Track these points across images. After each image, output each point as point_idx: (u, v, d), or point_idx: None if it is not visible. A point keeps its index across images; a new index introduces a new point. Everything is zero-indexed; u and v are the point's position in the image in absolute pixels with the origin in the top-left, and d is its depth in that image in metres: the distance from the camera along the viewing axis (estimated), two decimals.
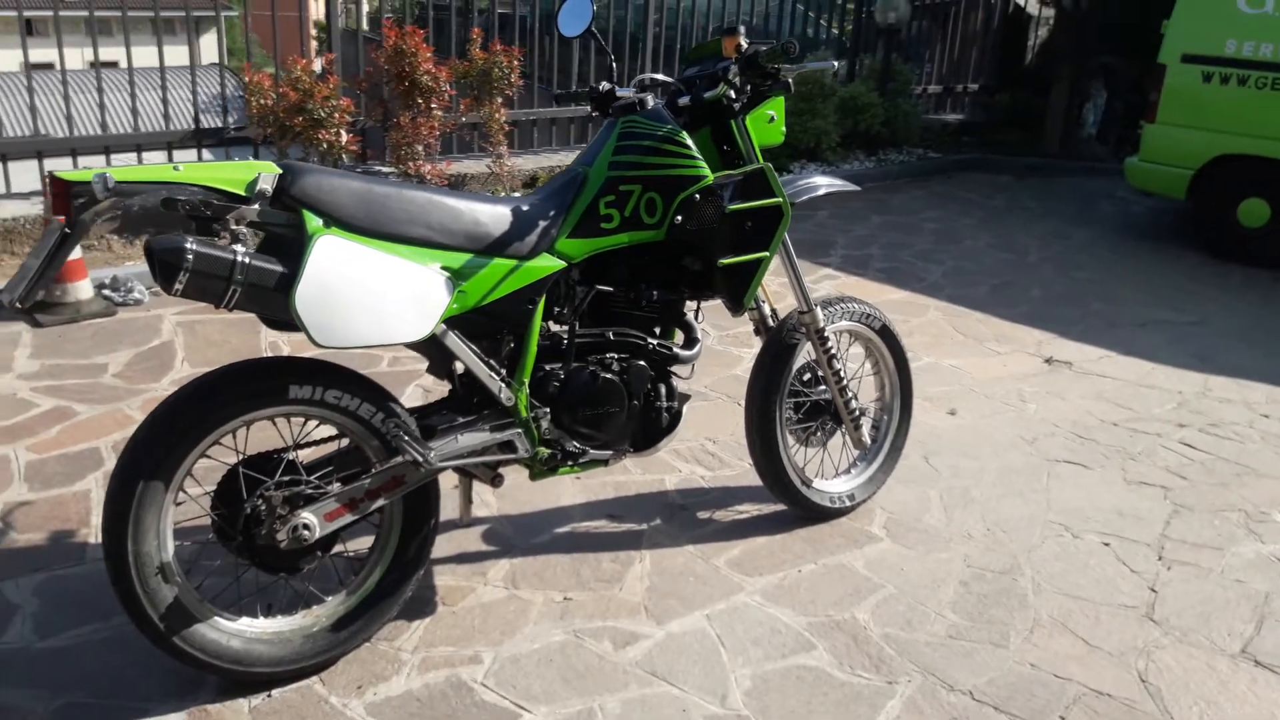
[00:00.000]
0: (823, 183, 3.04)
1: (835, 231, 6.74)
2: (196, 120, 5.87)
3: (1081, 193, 8.20)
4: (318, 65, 6.53)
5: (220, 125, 6.00)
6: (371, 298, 2.04)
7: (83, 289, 4.29)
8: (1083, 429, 3.98)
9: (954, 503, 3.32)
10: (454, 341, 2.25)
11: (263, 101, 5.53)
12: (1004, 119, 9.75)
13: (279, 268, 1.98)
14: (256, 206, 2.01)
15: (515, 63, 6.36)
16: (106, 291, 4.45)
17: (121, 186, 1.87)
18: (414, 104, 5.99)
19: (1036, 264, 6.25)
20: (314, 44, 6.83)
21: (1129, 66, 9.24)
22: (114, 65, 7.62)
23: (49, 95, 7.15)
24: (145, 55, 5.96)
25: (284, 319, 2.02)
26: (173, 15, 7.95)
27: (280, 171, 2.04)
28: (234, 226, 2.00)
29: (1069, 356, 4.77)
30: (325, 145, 5.61)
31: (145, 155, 5.77)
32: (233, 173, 2.00)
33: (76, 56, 5.85)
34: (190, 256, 1.88)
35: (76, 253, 4.31)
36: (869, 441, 3.15)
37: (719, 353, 4.48)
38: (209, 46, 18.55)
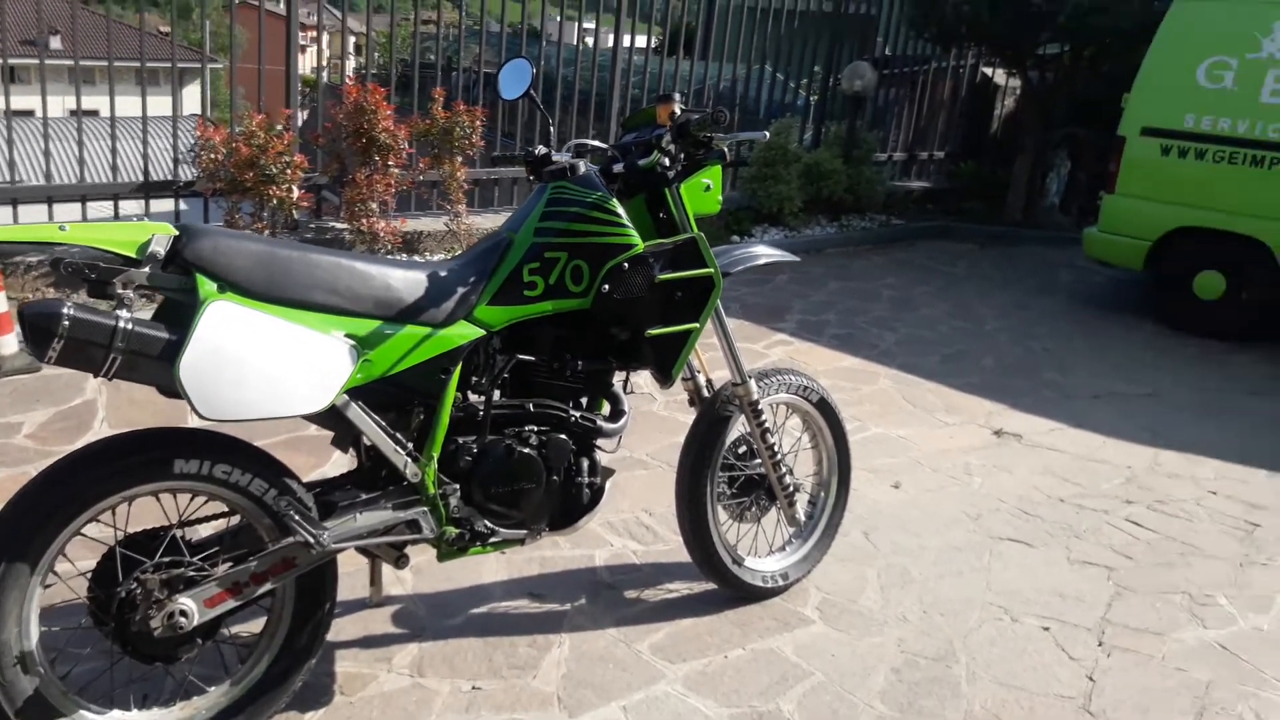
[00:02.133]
0: (762, 253, 2.98)
1: (792, 296, 6.71)
2: (146, 173, 5.79)
3: (1042, 262, 8.23)
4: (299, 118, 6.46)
5: (170, 179, 5.91)
6: (264, 367, 1.94)
7: (6, 343, 4.16)
8: (1029, 505, 3.91)
9: (892, 582, 3.22)
10: (356, 413, 2.15)
11: (213, 156, 5.46)
12: (968, 187, 9.82)
13: (165, 334, 1.89)
14: (147, 270, 1.92)
15: (478, 123, 6.33)
16: None
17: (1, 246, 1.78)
18: (371, 161, 5.94)
19: (992, 333, 6.23)
20: (301, 99, 6.79)
21: (1093, 137, 9.36)
22: (93, 114, 7.59)
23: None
24: (120, 106, 5.88)
25: (172, 389, 1.92)
26: (156, 66, 7.91)
27: (175, 233, 1.95)
28: (120, 290, 1.90)
29: (1019, 428, 4.72)
30: (276, 201, 5.54)
31: (91, 207, 5.67)
32: (124, 234, 1.92)
33: (54, 105, 5.82)
34: (66, 322, 1.79)
35: (3, 305, 4.19)
36: (804, 518, 3.06)
37: (663, 419, 4.39)
38: (194, 98, 18.61)
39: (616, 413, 2.60)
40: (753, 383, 2.84)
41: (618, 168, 2.56)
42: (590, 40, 8.37)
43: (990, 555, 3.46)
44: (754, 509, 2.98)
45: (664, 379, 2.57)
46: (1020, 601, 3.16)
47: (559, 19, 8.39)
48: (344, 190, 6.05)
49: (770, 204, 8.14)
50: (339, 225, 6.10)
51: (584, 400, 2.57)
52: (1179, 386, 5.47)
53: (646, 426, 4.25)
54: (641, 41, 8.54)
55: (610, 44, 8.11)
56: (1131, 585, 3.32)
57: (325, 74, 7.00)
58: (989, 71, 10.34)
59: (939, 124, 10.26)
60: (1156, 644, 2.97)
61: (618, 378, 2.66)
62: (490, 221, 6.95)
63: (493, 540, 2.40)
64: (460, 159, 6.40)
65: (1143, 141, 6.64)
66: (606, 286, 2.42)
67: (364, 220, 5.92)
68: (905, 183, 9.94)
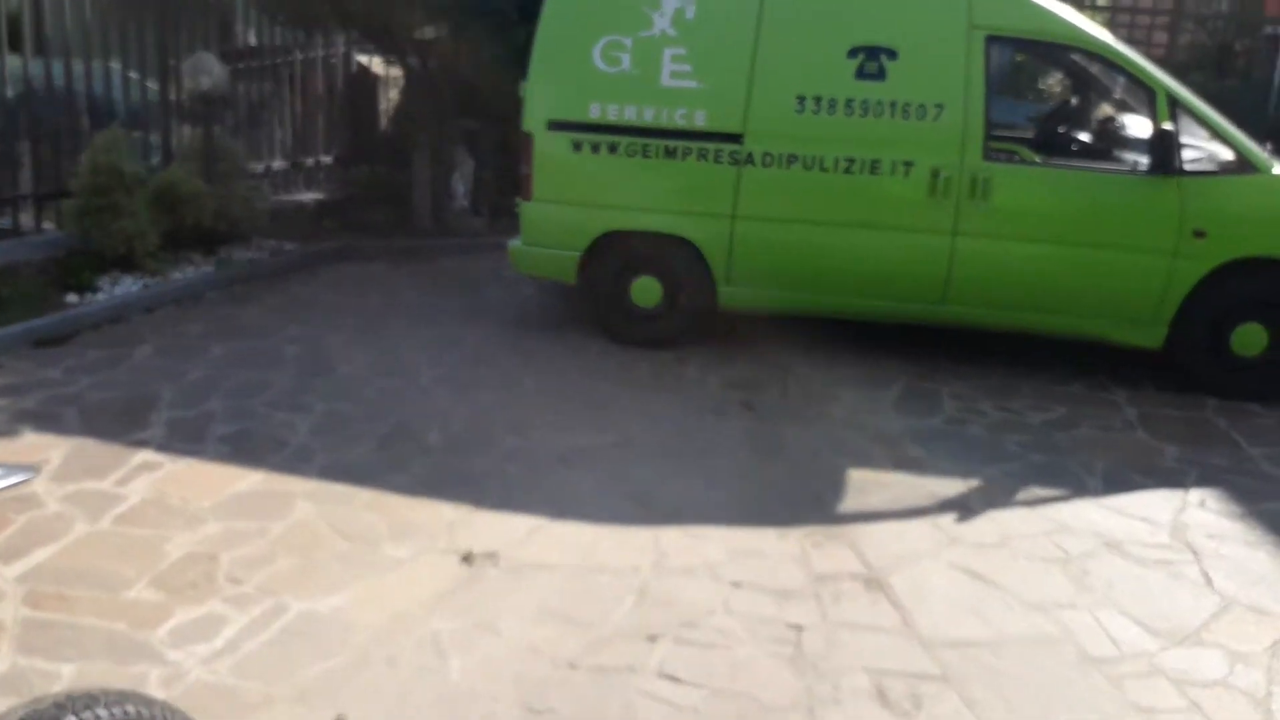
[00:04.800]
0: None
1: (160, 378, 4.84)
2: None
3: (466, 277, 7.17)
4: None
5: None
6: None
7: None
8: (534, 692, 2.71)
9: None
10: None
11: None
12: (367, 195, 8.48)
13: None
14: None
15: None
16: None
17: None
18: None
19: (430, 388, 4.98)
20: None
21: (492, 130, 8.53)
22: None
23: None
24: None
25: None
26: None
27: None
28: None
29: (492, 541, 3.52)
30: None
31: None
32: None
33: None
34: None
35: None
36: None
37: None
38: None
39: None
40: None
41: None
42: None
43: None
44: None
45: None
46: None
47: None
48: None
49: (114, 245, 6.08)
50: None
51: None
52: (645, 424, 4.68)
53: None
54: None
55: None
56: None
57: None
58: (365, 60, 9.05)
59: (320, 124, 8.78)
60: None
61: None
62: None
63: None
64: None
65: (551, 137, 5.79)
66: None
67: None
68: (293, 196, 8.34)
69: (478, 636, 2.96)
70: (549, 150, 5.78)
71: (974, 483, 4.24)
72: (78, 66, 6.81)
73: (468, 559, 3.40)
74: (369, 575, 3.26)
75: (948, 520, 3.90)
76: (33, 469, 1.60)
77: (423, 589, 3.20)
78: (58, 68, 6.78)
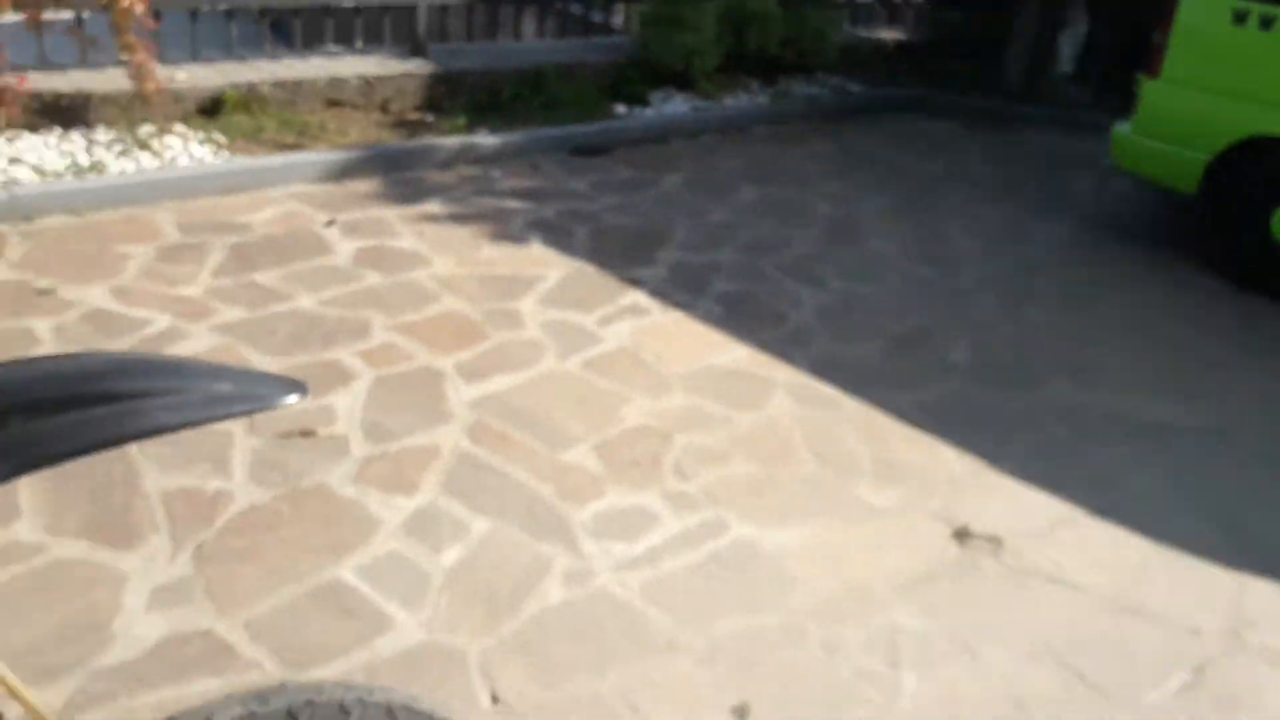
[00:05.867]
0: None
1: (680, 212, 4.47)
2: None
3: (1051, 157, 5.94)
4: None
5: None
6: None
7: None
8: None
9: None
10: None
11: None
12: (957, 42, 7.39)
13: None
14: None
15: None
16: None
17: None
18: None
19: (970, 291, 4.06)
20: None
21: None
22: None
23: None
24: None
25: None
26: None
27: None
28: None
29: (999, 520, 2.64)
30: None
31: None
32: None
33: None
34: None
35: None
36: None
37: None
38: None
39: None
40: None
41: None
42: None
43: None
44: None
45: None
46: None
47: None
48: None
49: (673, 59, 5.78)
50: None
51: None
52: (1260, 413, 3.37)
53: None
54: None
55: None
56: None
57: None
58: None
59: None
60: None
61: None
62: (216, 77, 4.60)
63: None
64: None
65: (1206, 2, 4.33)
66: None
67: None
68: (872, 32, 7.51)
69: (949, 655, 2.17)
70: (1199, 16, 4.36)
71: None
72: None
73: (962, 536, 2.57)
74: (833, 517, 2.58)
75: None
76: (301, 389, 1.07)
77: (895, 559, 2.45)
78: None
